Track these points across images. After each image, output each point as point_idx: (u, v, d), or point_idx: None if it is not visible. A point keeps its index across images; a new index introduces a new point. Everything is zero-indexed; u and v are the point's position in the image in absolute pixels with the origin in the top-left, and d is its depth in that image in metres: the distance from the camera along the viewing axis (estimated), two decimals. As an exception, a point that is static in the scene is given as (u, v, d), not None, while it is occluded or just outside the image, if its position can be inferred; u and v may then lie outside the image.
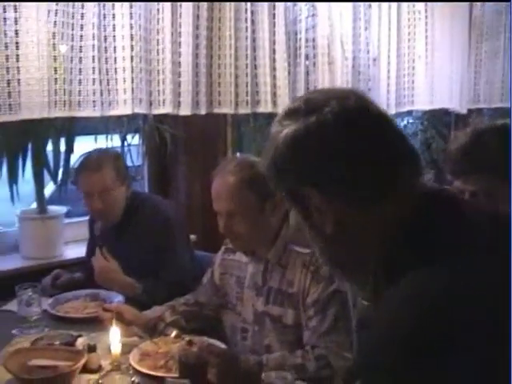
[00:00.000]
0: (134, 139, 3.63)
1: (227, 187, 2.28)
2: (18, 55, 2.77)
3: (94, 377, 2.16)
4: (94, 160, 2.98)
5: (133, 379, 1.89)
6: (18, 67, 2.79)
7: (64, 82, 2.94)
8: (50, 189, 3.88)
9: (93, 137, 3.53)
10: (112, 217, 3.03)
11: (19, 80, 2.82)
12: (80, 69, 2.99)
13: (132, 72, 3.12)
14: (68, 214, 3.62)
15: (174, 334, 2.34)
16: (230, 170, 2.31)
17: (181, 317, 2.56)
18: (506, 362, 0.95)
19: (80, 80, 3.00)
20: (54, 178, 3.40)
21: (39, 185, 3.37)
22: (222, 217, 2.32)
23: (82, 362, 2.15)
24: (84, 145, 3.62)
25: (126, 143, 3.57)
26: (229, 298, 2.51)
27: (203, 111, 3.38)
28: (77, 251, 3.51)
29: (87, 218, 3.77)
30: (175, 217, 3.10)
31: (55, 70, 2.92)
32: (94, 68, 3.01)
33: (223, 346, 2.32)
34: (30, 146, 3.28)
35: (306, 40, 3.74)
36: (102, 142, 3.47)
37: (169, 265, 2.91)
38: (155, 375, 2.14)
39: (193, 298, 2.64)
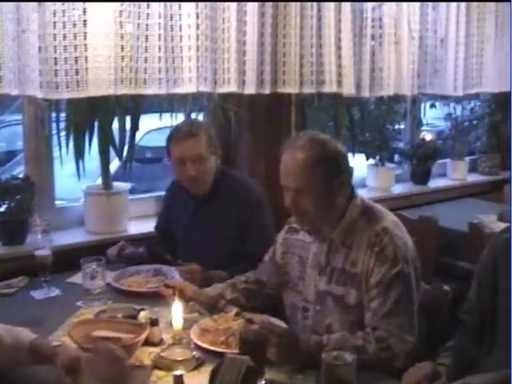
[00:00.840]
0: (198, 118, 3.64)
1: (296, 163, 2.27)
2: (85, 33, 2.80)
3: (156, 350, 2.20)
4: (188, 127, 3.03)
5: (194, 353, 1.90)
6: (85, 45, 2.82)
7: (130, 59, 2.97)
8: (114, 165, 3.94)
9: (157, 115, 3.56)
10: (202, 186, 3.04)
11: (86, 57, 2.85)
12: (146, 47, 3.01)
13: (197, 50, 3.12)
14: (131, 191, 3.67)
15: (234, 311, 2.36)
16: (301, 146, 2.30)
17: (241, 295, 2.57)
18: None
19: (146, 58, 3.02)
20: (119, 154, 3.45)
21: (105, 161, 3.43)
22: (290, 193, 2.31)
23: (145, 334, 2.19)
24: (149, 122, 3.67)
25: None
26: (290, 277, 2.51)
27: (267, 90, 3.37)
28: (140, 227, 3.57)
29: (151, 194, 3.85)
30: (263, 194, 3.13)
31: (122, 48, 2.95)
32: (159, 46, 3.02)
33: (284, 324, 2.33)
34: (96, 123, 3.32)
35: (373, 19, 3.69)
36: (167, 120, 3.50)
37: (255, 242, 2.94)
38: (216, 351, 2.16)
39: (254, 276, 2.65)
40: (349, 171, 2.38)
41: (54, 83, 2.81)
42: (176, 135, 3.01)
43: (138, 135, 5.13)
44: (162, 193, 3.66)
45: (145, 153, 5.75)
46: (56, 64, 2.80)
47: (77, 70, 2.83)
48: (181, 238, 3.17)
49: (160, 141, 4.51)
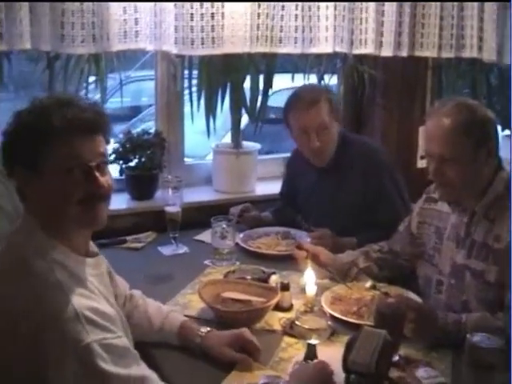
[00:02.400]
0: (331, 79, 3.54)
1: (442, 130, 2.14)
2: (223, -13, 2.77)
3: (285, 315, 2.16)
4: (308, 94, 2.87)
5: (329, 323, 1.85)
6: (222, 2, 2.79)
7: (266, 16, 2.91)
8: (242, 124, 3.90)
9: (289, 75, 3.49)
10: (325, 156, 2.91)
11: (223, 13, 2.82)
12: (283, 4, 2.95)
13: (335, 9, 3.04)
14: (259, 151, 3.62)
15: (368, 284, 2.29)
16: (447, 111, 2.16)
17: (374, 264, 2.49)
18: None
19: (282, 16, 2.96)
20: (250, 114, 3.40)
21: (236, 120, 3.39)
22: (434, 160, 2.18)
23: (276, 299, 2.16)
24: (280, 83, 3.60)
25: (323, 83, 3.48)
26: (425, 249, 2.40)
27: (405, 53, 3.23)
28: (268, 188, 3.52)
29: (279, 155, 3.80)
30: (390, 161, 2.99)
31: (258, 5, 2.89)
32: (296, 4, 2.95)
33: (419, 299, 2.23)
34: (229, 80, 3.28)
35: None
36: (299, 80, 3.41)
37: (386, 211, 2.82)
38: (347, 320, 2.10)
39: (387, 245, 2.55)
40: (497, 140, 2.22)
41: (190, 39, 2.79)
42: (296, 104, 2.86)
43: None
44: (289, 154, 3.62)
45: (269, 112, 5.71)
46: (192, 20, 2.78)
47: (213, 26, 2.80)
48: (305, 205, 3.08)
49: (283, 101, 4.45)
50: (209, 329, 1.97)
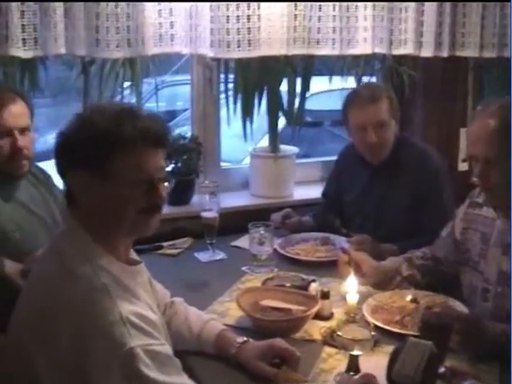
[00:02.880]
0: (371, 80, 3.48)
1: (488, 130, 2.05)
2: (259, -10, 2.73)
3: (325, 324, 2.10)
4: (369, 91, 2.84)
5: (373, 333, 1.78)
6: (258, 3, 2.75)
7: (303, 18, 2.87)
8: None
9: (327, 77, 3.43)
10: (382, 153, 2.87)
11: (259, 16, 2.79)
12: (320, 5, 2.90)
13: (374, 9, 2.98)
14: (297, 155, 3.57)
15: (409, 297, 2.21)
16: (492, 112, 2.07)
17: (417, 271, 2.42)
18: None
19: (320, 17, 2.91)
20: (287, 117, 3.35)
21: (273, 123, 3.34)
22: (478, 163, 2.10)
23: (316, 308, 2.10)
24: (318, 85, 3.55)
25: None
26: (470, 255, 2.31)
27: (445, 53, 3.17)
28: (306, 193, 3.47)
29: (318, 159, 3.75)
30: (444, 165, 2.93)
31: (295, 6, 2.85)
32: (334, 5, 2.90)
33: (465, 309, 2.15)
34: (265, 83, 3.23)
35: None
36: (337, 82, 3.35)
37: (432, 216, 2.75)
38: (390, 330, 2.03)
39: (430, 251, 2.47)
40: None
41: (226, 42, 2.76)
42: (356, 100, 2.82)
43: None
44: (328, 158, 3.56)
45: (306, 116, 5.66)
46: (228, 22, 2.75)
47: (249, 28, 2.78)
48: (351, 206, 3.02)
49: (320, 104, 4.37)
50: (245, 339, 1.92)
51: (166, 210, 3.13)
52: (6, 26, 2.40)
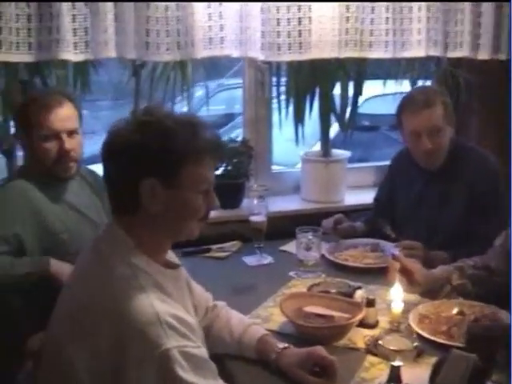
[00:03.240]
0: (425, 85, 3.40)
1: None
2: (309, -8, 2.71)
3: (370, 332, 2.05)
4: (424, 96, 2.75)
5: (415, 344, 1.73)
6: (309, 5, 2.72)
7: (355, 20, 2.83)
8: (332, 132, 3.81)
9: (381, 81, 3.38)
10: (436, 159, 2.79)
11: (310, 18, 2.76)
12: (373, 7, 2.85)
13: (428, 11, 2.91)
14: (350, 159, 3.53)
15: (455, 310, 2.15)
16: None
17: (468, 281, 2.34)
18: None
19: (372, 19, 2.86)
20: (340, 121, 3.31)
21: (325, 127, 3.31)
22: None
23: (360, 316, 2.06)
24: (371, 89, 3.50)
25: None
26: (524, 266, 2.24)
27: (503, 56, 3.07)
28: (358, 198, 3.42)
29: (371, 164, 3.69)
30: (500, 172, 2.83)
31: (347, 8, 2.81)
32: (387, 6, 2.85)
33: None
34: (317, 87, 3.20)
35: None
36: (391, 86, 3.30)
37: (486, 224, 2.65)
38: (436, 341, 1.97)
39: (481, 261, 2.39)
40: None
41: (276, 45, 2.75)
42: (410, 105, 2.75)
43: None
44: (381, 163, 3.50)
45: (362, 120, 5.60)
46: (278, 25, 2.73)
47: (299, 31, 2.75)
48: (404, 212, 2.95)
49: (376, 108, 4.31)
50: (286, 345, 1.89)
51: (216, 213, 3.16)
52: (57, 30, 2.43)
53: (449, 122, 2.74)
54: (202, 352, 1.52)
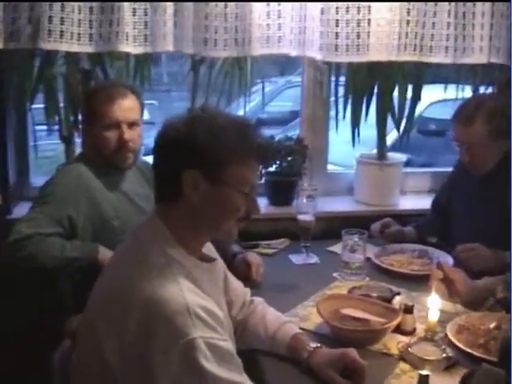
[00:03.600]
0: (487, 91, 3.33)
1: None
2: (369, -6, 2.70)
3: (405, 340, 2.03)
4: (466, 112, 2.69)
5: (444, 355, 1.71)
6: (369, 6, 2.72)
7: (416, 24, 2.80)
8: (394, 135, 3.78)
9: (442, 86, 3.33)
10: (479, 168, 2.76)
11: (369, 20, 2.75)
12: (435, 11, 2.82)
13: (492, 17, 2.85)
14: (409, 163, 3.49)
15: (493, 324, 2.10)
16: None
17: (513, 294, 2.29)
18: None
19: (434, 23, 2.83)
20: (397, 124, 3.28)
21: (381, 130, 3.28)
22: None
23: (396, 322, 2.05)
24: (432, 94, 3.45)
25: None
26: None
27: None
28: (413, 203, 3.40)
29: (427, 169, 3.64)
30: None
31: (408, 12, 2.78)
32: (449, 11, 2.81)
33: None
34: (375, 89, 3.18)
35: None
36: (452, 92, 3.25)
37: None
38: (472, 354, 1.94)
39: (528, 273, 2.35)
40: None
41: (334, 46, 2.75)
42: (454, 117, 2.73)
43: (422, 105, 4.92)
44: (440, 169, 3.45)
45: (428, 124, 5.51)
46: (337, 26, 2.73)
47: (358, 33, 2.74)
48: (458, 218, 2.91)
49: (444, 113, 4.24)
50: (318, 345, 1.90)
51: (267, 209, 3.19)
52: (117, 22, 2.50)
53: (494, 139, 2.66)
54: (229, 345, 1.54)
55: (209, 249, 1.86)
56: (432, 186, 3.49)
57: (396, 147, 3.57)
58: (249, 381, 1.57)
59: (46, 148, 3.56)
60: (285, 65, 6.10)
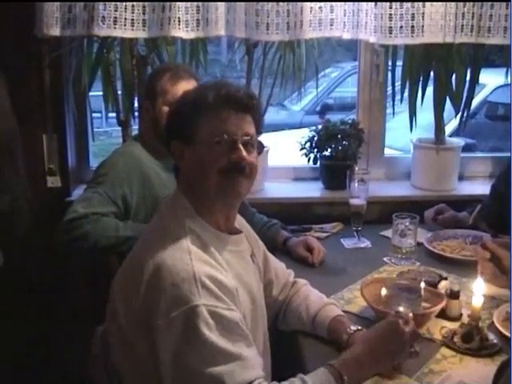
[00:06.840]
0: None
1: None
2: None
3: (449, 325, 2.00)
4: None
5: (494, 341, 1.67)
6: (424, -13, 2.67)
7: (473, 4, 2.72)
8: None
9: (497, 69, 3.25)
10: None
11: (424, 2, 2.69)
12: (495, -9, 2.74)
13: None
14: (471, 148, 3.41)
15: None
16: None
17: None
18: None
19: (492, 3, 2.75)
20: (456, 108, 3.20)
21: (439, 114, 3.21)
22: None
23: (440, 306, 2.02)
24: (497, 78, 3.37)
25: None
26: None
27: None
28: (471, 188, 3.32)
29: (487, 154, 3.56)
30: None
31: (467, -9, 2.72)
32: (510, -11, 2.73)
33: None
34: (432, 72, 3.13)
35: None
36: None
37: None
38: (517, 341, 1.91)
39: None
40: None
41: (388, 28, 2.71)
42: None
43: (488, 90, 4.80)
44: (502, 154, 3.37)
45: (497, 109, 5.37)
46: (391, 8, 2.69)
47: (413, 14, 2.69)
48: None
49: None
50: (359, 327, 1.89)
51: (322, 193, 3.19)
52: (169, 7, 2.53)
53: None
54: (234, 315, 1.54)
55: (240, 222, 1.91)
56: (493, 171, 3.40)
57: (459, 132, 3.51)
58: (257, 355, 1.57)
59: (103, 133, 3.65)
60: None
